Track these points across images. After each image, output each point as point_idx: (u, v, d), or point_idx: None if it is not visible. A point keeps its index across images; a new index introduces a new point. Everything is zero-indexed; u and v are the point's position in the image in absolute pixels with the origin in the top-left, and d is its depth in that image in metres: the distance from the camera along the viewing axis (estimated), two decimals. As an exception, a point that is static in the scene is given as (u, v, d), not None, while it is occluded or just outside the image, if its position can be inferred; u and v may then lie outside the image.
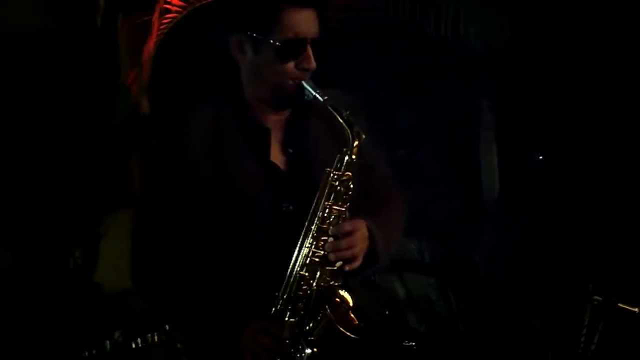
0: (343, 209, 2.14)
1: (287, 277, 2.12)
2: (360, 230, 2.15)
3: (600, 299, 2.79)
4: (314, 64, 2.19)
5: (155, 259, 2.23)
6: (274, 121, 2.28)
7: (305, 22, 2.17)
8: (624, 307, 2.77)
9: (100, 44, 3.78)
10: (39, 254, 4.90)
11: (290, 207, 2.20)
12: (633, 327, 2.99)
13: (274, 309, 2.12)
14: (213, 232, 2.19)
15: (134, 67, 3.68)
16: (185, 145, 2.21)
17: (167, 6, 3.60)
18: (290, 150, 2.26)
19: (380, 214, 2.29)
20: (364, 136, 2.14)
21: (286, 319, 2.11)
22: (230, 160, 2.20)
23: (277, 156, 2.26)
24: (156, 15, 3.63)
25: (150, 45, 3.61)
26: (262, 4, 2.18)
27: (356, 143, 2.13)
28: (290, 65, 2.18)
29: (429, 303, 4.55)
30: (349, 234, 2.12)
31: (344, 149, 2.15)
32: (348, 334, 2.06)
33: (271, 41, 2.15)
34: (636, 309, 2.77)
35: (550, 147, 3.86)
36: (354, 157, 2.14)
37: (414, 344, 4.43)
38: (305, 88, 2.18)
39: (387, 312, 2.31)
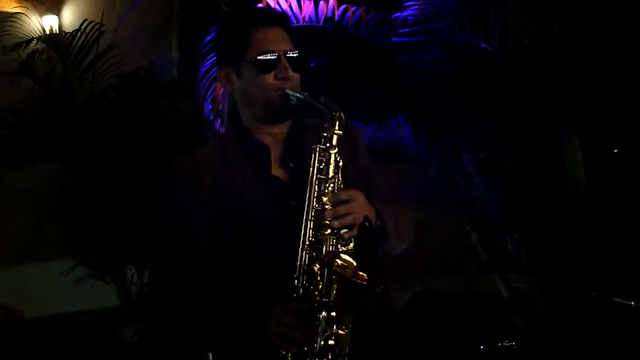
0: (335, 179, 2.27)
1: (298, 256, 2.24)
2: (358, 199, 2.26)
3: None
4: (291, 72, 2.37)
5: (178, 273, 2.39)
6: (273, 140, 2.45)
7: (273, 37, 2.39)
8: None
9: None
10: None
11: (294, 204, 2.33)
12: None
13: (295, 291, 2.23)
14: (229, 244, 2.37)
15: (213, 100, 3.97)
16: (196, 172, 2.41)
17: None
18: (291, 165, 2.42)
19: (388, 204, 2.40)
20: (340, 112, 2.28)
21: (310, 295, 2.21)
22: (236, 180, 2.38)
23: (278, 170, 2.43)
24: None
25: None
26: (233, 30, 2.44)
27: (335, 117, 2.28)
28: (270, 77, 2.37)
29: (531, 303, 4.55)
30: (347, 201, 2.24)
31: (325, 125, 2.29)
32: (363, 282, 2.14)
33: (247, 60, 2.37)
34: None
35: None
36: (336, 129, 2.28)
37: (514, 343, 4.47)
38: (289, 94, 2.34)
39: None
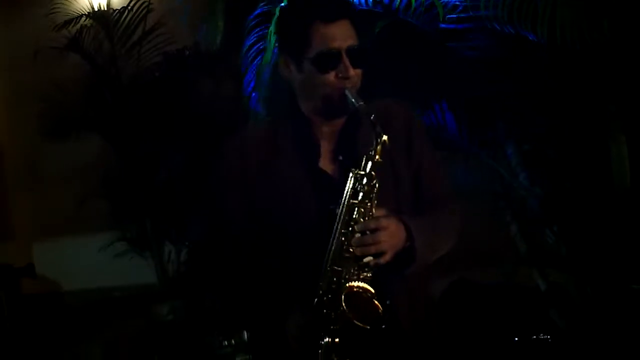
0: (368, 207, 2.25)
1: (322, 272, 2.24)
2: (389, 228, 2.23)
3: None
4: (352, 72, 2.31)
5: (218, 250, 2.45)
6: (328, 131, 2.42)
7: (336, 34, 2.31)
8: None
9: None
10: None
11: (332, 207, 2.30)
12: None
13: (315, 299, 2.25)
14: (266, 229, 2.39)
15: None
16: (243, 150, 2.43)
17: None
18: (340, 158, 2.39)
19: (427, 217, 2.37)
20: (384, 137, 2.24)
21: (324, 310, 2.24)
22: (283, 167, 2.38)
23: (327, 164, 2.40)
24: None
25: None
26: (294, 24, 2.37)
27: (378, 144, 2.25)
28: (330, 76, 2.31)
29: (568, 297, 4.51)
30: (375, 230, 2.22)
31: (370, 149, 2.26)
32: (360, 325, 2.15)
33: (308, 57, 2.32)
34: None
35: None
36: (377, 157, 2.25)
37: (549, 337, 4.45)
38: (347, 96, 2.30)
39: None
